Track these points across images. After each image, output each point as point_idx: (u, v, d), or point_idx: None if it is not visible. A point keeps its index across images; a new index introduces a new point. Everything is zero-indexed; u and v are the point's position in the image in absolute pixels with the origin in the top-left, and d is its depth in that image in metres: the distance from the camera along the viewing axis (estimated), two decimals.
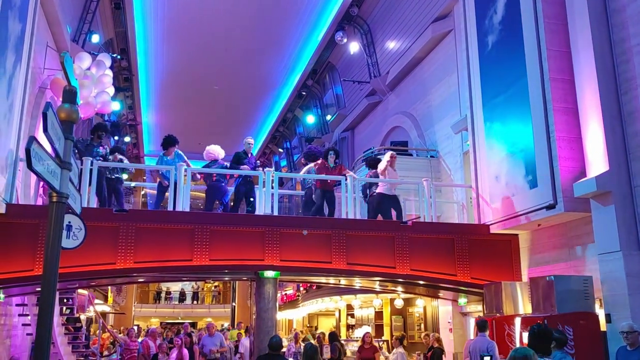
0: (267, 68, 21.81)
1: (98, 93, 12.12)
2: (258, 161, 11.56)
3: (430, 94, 15.25)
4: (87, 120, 15.04)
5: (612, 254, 7.85)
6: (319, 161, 11.56)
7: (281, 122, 27.06)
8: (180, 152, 11.31)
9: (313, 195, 11.51)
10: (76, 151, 10.62)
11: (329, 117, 23.09)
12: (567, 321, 7.75)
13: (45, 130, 3.86)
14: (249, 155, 11.52)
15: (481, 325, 8.78)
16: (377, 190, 11.24)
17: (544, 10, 9.10)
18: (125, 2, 17.03)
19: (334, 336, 13.66)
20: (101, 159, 10.40)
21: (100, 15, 16.86)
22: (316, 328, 22.06)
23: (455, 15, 13.76)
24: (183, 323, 18.53)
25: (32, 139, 3.76)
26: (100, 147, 10.73)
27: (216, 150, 11.39)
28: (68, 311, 13.08)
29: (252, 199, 11.35)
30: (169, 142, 11.22)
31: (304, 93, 23.67)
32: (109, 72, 12.56)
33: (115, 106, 16.00)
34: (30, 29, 9.87)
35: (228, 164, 11.42)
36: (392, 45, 17.61)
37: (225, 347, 13.81)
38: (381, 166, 11.35)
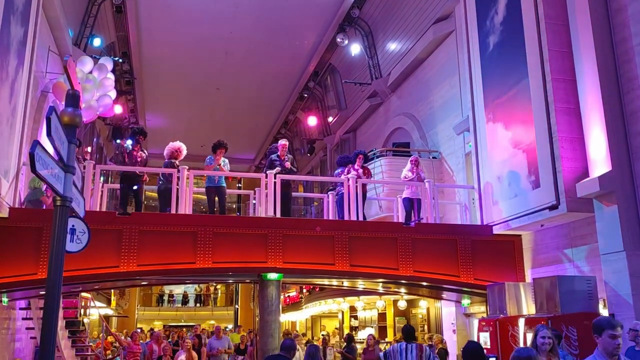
0: (267, 70, 21.80)
1: (100, 96, 12.13)
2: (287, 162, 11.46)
3: (432, 95, 15.25)
4: (89, 123, 15.07)
5: (615, 254, 7.84)
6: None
7: (283, 124, 27.05)
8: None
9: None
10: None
11: (330, 119, 23.08)
12: (571, 322, 7.72)
13: (48, 134, 3.87)
14: (283, 158, 11.40)
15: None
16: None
17: (545, 10, 9.10)
18: (126, 5, 17.07)
19: (350, 338, 13.93)
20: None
21: (101, 18, 16.89)
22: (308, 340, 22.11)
23: (456, 17, 13.75)
24: (186, 326, 18.72)
25: (36, 143, 3.76)
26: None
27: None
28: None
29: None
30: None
31: (305, 95, 23.67)
32: (111, 76, 12.56)
33: (117, 109, 16.02)
34: (32, 33, 9.91)
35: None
36: (393, 46, 17.61)
37: (232, 350, 14.52)
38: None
